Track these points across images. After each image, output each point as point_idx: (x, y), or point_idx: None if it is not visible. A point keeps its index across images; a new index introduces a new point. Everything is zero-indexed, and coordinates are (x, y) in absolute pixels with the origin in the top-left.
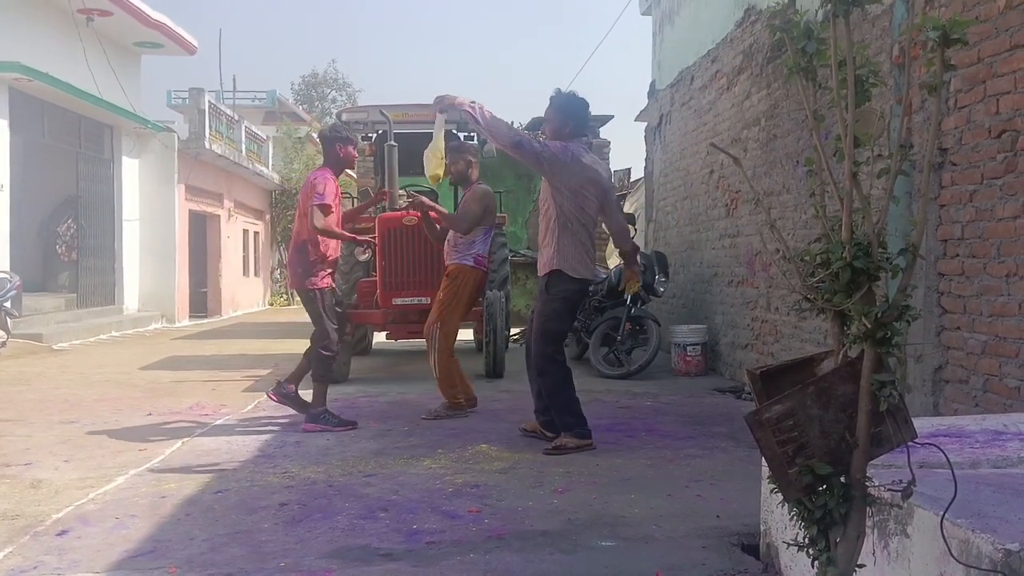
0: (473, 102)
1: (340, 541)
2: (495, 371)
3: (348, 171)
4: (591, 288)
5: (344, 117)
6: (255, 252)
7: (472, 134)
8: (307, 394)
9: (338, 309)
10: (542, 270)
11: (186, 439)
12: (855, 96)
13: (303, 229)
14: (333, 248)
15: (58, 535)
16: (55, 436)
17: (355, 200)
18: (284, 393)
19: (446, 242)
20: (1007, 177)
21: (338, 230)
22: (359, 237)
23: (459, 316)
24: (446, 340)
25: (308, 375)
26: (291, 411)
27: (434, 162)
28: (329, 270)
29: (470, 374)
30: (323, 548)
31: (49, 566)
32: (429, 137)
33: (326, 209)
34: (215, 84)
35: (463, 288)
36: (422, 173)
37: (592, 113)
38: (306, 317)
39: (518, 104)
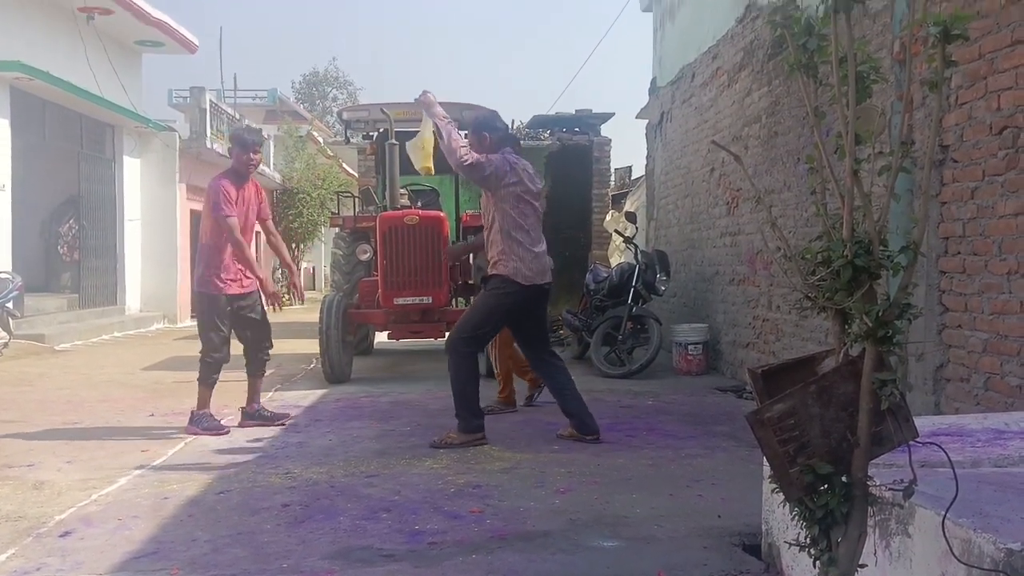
0: (448, 119)
1: (342, 542)
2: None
3: (349, 170)
4: (592, 288)
5: (345, 116)
6: (257, 252)
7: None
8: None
9: (252, 316)
10: (490, 271)
11: (188, 440)
12: (856, 93)
13: (203, 233)
14: (222, 248)
15: (61, 536)
16: (57, 437)
17: (356, 200)
18: (250, 415)
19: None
20: (1008, 174)
21: (243, 249)
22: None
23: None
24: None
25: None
26: (293, 413)
27: (421, 155)
28: (228, 276)
29: None
30: (325, 549)
31: (52, 568)
32: None
33: (229, 219)
34: (216, 83)
35: None
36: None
37: (593, 111)
38: (309, 317)
39: (518, 101)
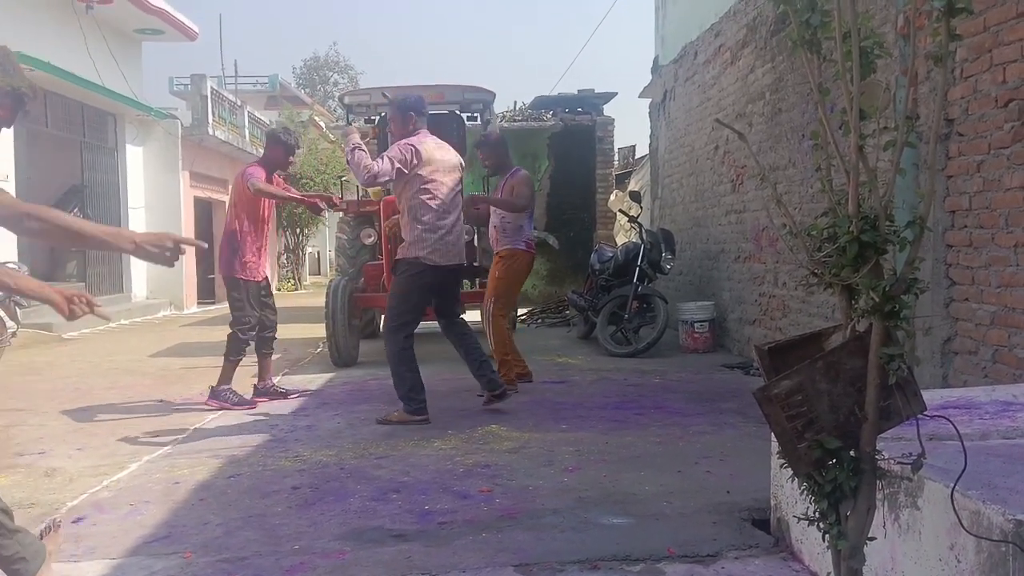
0: (356, 147)
1: (353, 523)
2: None
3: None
4: (597, 268)
5: (346, 100)
6: (265, 242)
7: (474, 115)
8: (297, 380)
9: (266, 300)
10: (399, 255)
11: (197, 425)
12: (860, 68)
13: (231, 220)
14: (255, 237)
15: (73, 523)
16: (67, 424)
17: (357, 187)
18: (261, 391)
19: (493, 228)
20: (1015, 146)
21: (275, 189)
22: (296, 196)
23: (514, 294)
24: (502, 309)
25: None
26: (302, 396)
27: None
28: (250, 262)
29: None
30: (336, 530)
31: (65, 553)
32: (433, 119)
33: (259, 182)
34: (216, 70)
35: (518, 269)
36: None
37: (596, 90)
38: (315, 302)
39: (520, 82)
